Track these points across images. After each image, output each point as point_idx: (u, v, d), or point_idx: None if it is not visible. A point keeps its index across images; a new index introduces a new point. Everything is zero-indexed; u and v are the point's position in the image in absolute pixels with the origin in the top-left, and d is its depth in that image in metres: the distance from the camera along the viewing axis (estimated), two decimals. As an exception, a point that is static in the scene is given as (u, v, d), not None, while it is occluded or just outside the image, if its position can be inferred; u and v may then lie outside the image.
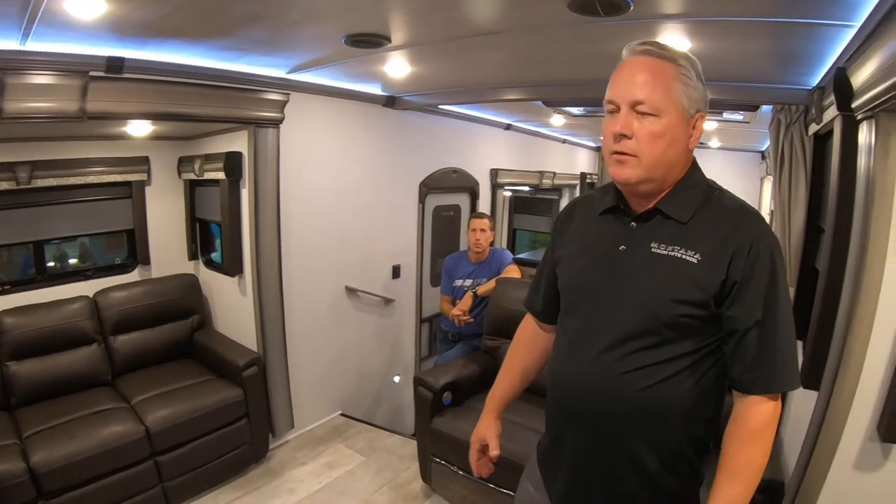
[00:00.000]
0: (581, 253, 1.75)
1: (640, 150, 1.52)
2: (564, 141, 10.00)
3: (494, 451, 2.00)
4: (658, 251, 1.55)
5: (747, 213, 1.54)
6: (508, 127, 7.76)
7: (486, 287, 4.85)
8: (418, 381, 4.14)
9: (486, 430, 2.04)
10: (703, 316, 1.49)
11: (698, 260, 1.49)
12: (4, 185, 4.14)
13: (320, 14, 2.83)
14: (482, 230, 4.97)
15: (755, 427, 1.49)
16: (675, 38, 2.92)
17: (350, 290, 5.37)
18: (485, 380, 4.39)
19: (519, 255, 8.20)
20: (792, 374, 1.49)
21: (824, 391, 2.72)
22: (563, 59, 3.70)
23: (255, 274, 4.45)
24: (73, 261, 4.97)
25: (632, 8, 2.46)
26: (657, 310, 1.51)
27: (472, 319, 4.77)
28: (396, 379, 6.19)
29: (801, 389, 2.84)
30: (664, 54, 1.53)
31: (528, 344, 2.03)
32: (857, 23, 2.37)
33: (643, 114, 1.50)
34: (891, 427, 2.45)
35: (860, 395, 2.54)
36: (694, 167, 1.63)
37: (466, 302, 4.78)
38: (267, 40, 3.31)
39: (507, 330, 4.59)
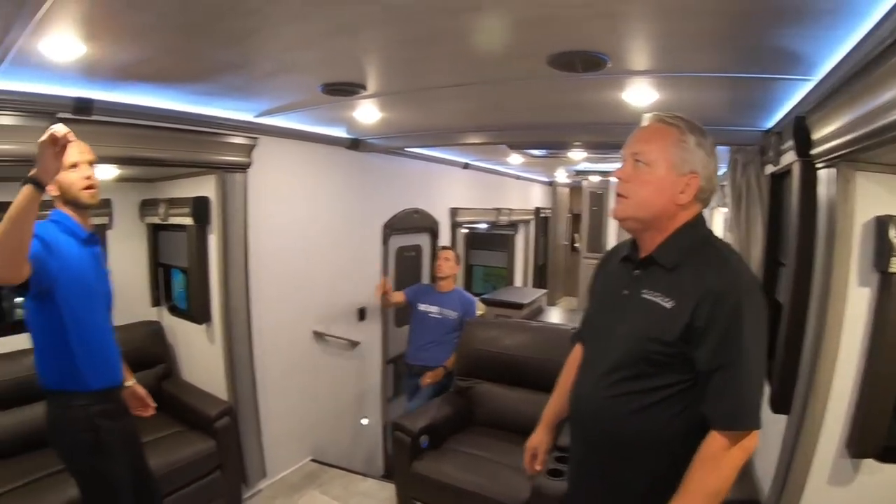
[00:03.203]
0: (600, 295, 2.11)
1: (631, 192, 1.81)
2: (518, 177, 10.17)
3: (538, 467, 2.36)
4: (646, 296, 1.79)
5: (725, 265, 1.73)
6: (466, 166, 7.88)
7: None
8: (396, 426, 4.14)
9: (539, 442, 2.36)
10: (673, 353, 1.70)
11: (671, 306, 1.72)
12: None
13: (301, 64, 2.87)
14: (446, 259, 5.28)
15: (708, 455, 1.66)
16: (643, 90, 3.08)
17: (317, 335, 5.33)
18: (459, 421, 4.46)
19: (485, 296, 8.41)
20: (749, 417, 1.65)
21: (795, 415, 2.88)
22: (531, 107, 3.81)
23: (225, 321, 4.39)
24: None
25: (608, 65, 2.58)
26: (635, 346, 1.77)
27: (390, 290, 5.19)
28: (364, 421, 6.14)
29: (770, 414, 3.00)
30: (669, 121, 1.81)
31: (573, 365, 2.23)
32: (816, 77, 2.53)
33: (639, 162, 1.79)
34: (860, 444, 2.64)
35: (829, 417, 2.71)
36: (695, 222, 1.83)
37: (437, 374, 4.99)
38: (242, 87, 3.31)
39: (477, 370, 4.69)
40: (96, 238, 2.80)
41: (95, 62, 2.64)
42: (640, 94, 3.14)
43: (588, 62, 2.54)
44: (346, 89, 3.23)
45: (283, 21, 2.21)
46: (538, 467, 2.36)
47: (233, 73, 3.01)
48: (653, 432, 1.75)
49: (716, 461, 1.65)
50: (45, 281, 2.34)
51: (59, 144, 2.05)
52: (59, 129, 2.03)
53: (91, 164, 2.62)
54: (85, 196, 2.59)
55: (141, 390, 3.10)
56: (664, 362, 1.72)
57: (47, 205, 2.55)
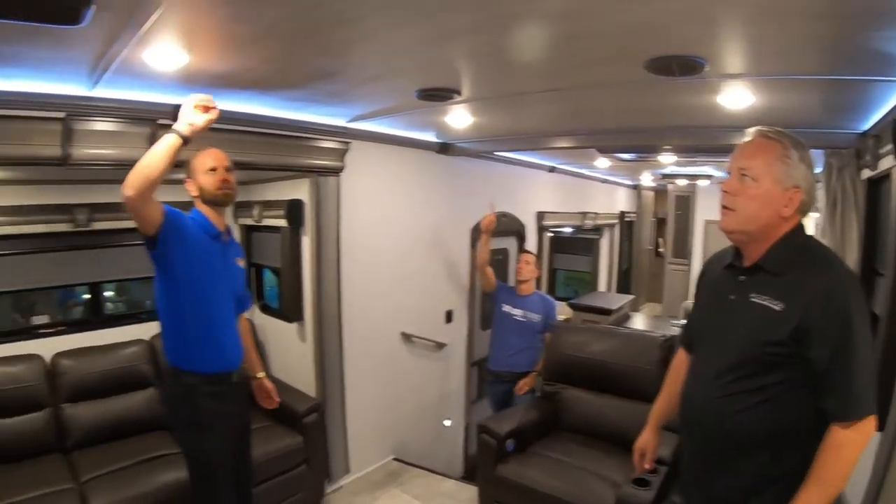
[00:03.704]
0: (705, 300, 2.20)
1: (738, 206, 1.88)
2: (604, 181, 10.10)
3: (647, 465, 2.47)
4: (754, 300, 1.87)
5: (829, 268, 1.81)
6: (552, 170, 7.86)
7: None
8: (482, 429, 4.15)
9: (646, 443, 2.47)
10: (783, 353, 1.77)
11: (781, 308, 1.79)
12: (63, 227, 4.20)
13: (399, 71, 2.92)
14: (526, 262, 5.25)
15: (832, 445, 1.74)
16: (738, 93, 3.04)
17: (405, 336, 5.41)
18: (545, 426, 4.45)
19: (573, 301, 8.43)
20: (865, 406, 1.74)
21: (889, 433, 2.81)
22: (623, 110, 3.79)
23: (316, 320, 4.51)
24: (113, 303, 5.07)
25: (706, 69, 2.56)
26: (746, 348, 1.86)
27: (493, 224, 5.07)
28: (447, 423, 6.17)
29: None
30: (773, 136, 1.87)
31: (679, 369, 2.33)
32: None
33: (745, 177, 1.85)
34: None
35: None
36: (797, 231, 1.90)
37: (532, 380, 5.00)
38: (339, 93, 3.39)
39: (564, 375, 4.67)
40: (229, 236, 3.02)
41: (197, 71, 2.75)
42: (736, 98, 3.10)
43: (685, 66, 2.55)
44: (440, 95, 3.28)
45: (385, 29, 2.26)
46: (647, 466, 2.47)
47: (331, 80, 3.09)
48: (764, 429, 1.83)
49: (839, 450, 1.73)
50: (169, 243, 2.58)
51: (201, 108, 2.38)
52: (202, 98, 2.38)
53: (227, 169, 2.86)
54: (220, 195, 2.85)
55: (268, 384, 3.32)
56: (776, 362, 1.79)
57: (189, 205, 2.85)
